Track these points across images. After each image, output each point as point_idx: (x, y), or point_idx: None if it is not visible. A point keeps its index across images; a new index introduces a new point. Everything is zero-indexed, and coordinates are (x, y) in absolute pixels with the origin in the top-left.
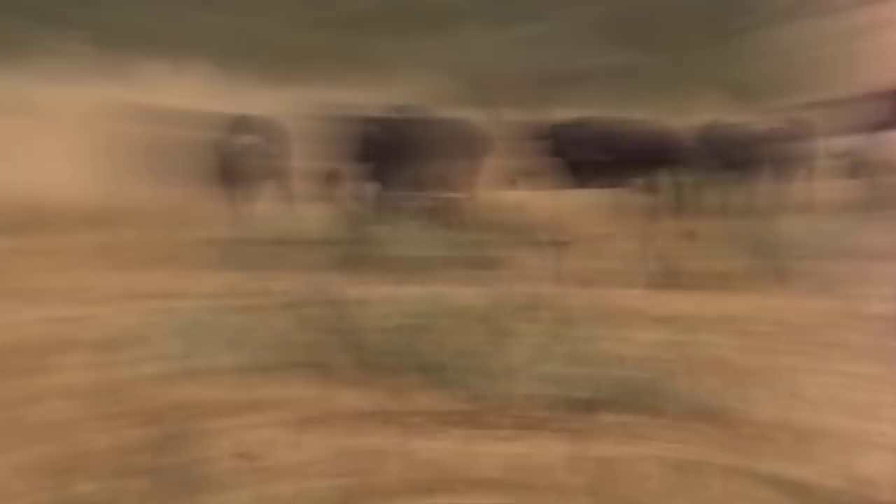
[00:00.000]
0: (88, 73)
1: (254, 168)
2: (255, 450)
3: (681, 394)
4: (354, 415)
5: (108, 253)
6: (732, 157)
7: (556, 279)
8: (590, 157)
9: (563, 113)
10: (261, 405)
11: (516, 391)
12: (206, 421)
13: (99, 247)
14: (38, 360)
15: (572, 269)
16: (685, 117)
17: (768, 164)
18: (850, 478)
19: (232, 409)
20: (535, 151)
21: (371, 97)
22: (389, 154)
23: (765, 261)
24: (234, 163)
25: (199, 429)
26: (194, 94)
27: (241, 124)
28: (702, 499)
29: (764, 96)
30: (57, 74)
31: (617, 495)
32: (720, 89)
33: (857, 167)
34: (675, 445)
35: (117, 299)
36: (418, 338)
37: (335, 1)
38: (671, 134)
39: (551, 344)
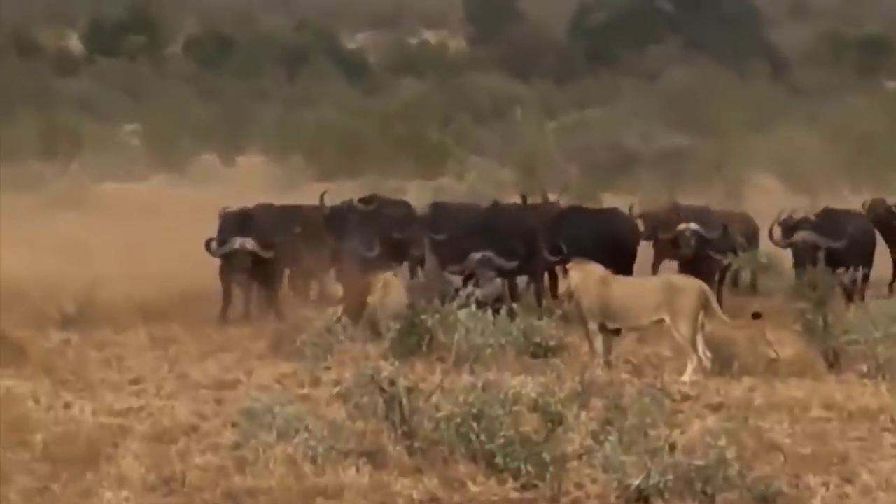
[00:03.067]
0: (141, 167)
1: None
2: None
3: (733, 480)
4: None
5: (160, 345)
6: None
7: (608, 366)
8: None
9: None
10: (314, 495)
11: (569, 479)
12: None
13: (152, 339)
14: (92, 452)
15: (624, 356)
16: (736, 201)
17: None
18: None
19: (286, 499)
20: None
21: (422, 185)
22: (439, 243)
23: (816, 345)
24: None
25: None
26: (246, 185)
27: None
28: None
29: (814, 180)
30: (110, 168)
31: None
32: (770, 173)
33: None
34: None
35: (170, 391)
36: (470, 426)
37: (388, 91)
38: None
39: (603, 431)
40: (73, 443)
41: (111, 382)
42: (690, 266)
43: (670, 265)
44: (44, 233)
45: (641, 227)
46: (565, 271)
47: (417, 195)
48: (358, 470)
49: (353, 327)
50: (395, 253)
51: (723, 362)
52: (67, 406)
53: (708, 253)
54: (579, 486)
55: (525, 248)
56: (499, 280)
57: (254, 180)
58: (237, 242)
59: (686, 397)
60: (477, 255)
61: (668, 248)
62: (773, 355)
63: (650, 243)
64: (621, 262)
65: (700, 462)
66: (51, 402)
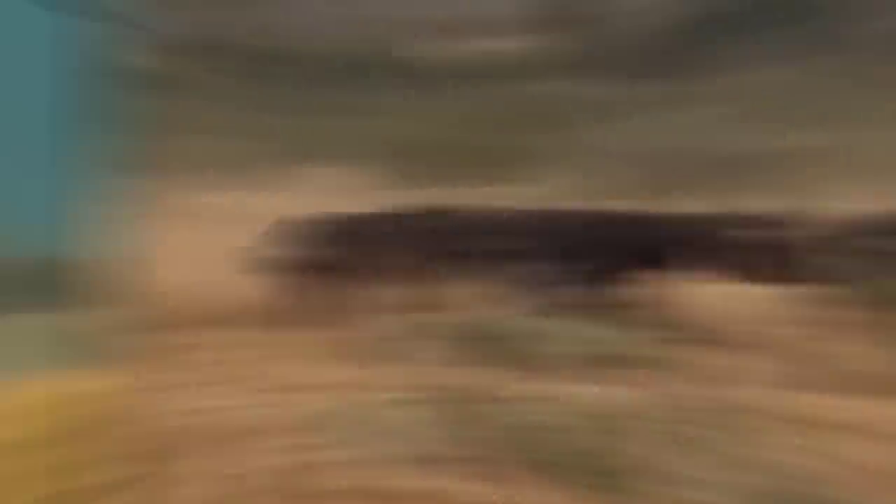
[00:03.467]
0: (210, 176)
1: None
2: None
3: (807, 500)
4: None
5: (227, 347)
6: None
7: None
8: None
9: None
10: (374, 500)
11: (631, 493)
12: None
13: (220, 341)
14: (164, 449)
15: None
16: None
17: None
18: None
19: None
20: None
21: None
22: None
23: None
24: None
25: None
26: (308, 195)
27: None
28: None
29: None
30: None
31: None
32: (853, 176)
33: None
34: None
35: (237, 391)
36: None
37: (451, 98)
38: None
39: (669, 444)
40: (145, 440)
41: (182, 382)
42: None
43: None
44: None
45: None
46: (632, 280)
47: (485, 202)
48: (417, 476)
49: (418, 335)
50: (455, 262)
51: (803, 377)
52: (141, 404)
53: None
54: (643, 499)
55: (589, 255)
56: (561, 288)
57: (315, 190)
58: (269, 251)
59: (763, 411)
60: (538, 263)
61: None
62: (853, 370)
63: None
64: None
65: (769, 479)
66: (125, 399)
